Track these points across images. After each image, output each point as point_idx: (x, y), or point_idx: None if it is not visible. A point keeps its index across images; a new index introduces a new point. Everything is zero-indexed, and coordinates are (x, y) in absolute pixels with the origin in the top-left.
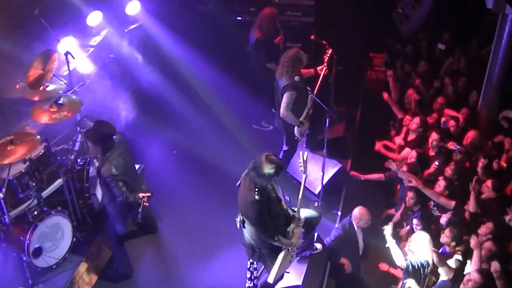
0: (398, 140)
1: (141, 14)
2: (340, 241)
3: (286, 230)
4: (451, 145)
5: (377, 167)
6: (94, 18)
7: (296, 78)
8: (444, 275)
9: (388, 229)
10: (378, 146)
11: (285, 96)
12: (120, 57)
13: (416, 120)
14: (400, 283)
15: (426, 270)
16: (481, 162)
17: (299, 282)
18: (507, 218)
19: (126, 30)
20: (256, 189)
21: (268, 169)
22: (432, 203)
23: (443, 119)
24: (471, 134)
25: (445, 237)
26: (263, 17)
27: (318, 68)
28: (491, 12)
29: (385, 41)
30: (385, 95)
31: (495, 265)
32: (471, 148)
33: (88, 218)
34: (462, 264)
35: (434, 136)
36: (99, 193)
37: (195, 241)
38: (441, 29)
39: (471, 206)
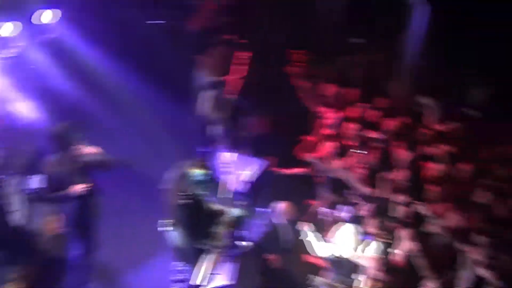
0: (318, 133)
1: (59, 24)
2: (267, 237)
3: (214, 231)
4: (372, 135)
5: (300, 161)
6: (8, 29)
7: (213, 78)
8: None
9: (309, 223)
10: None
11: (204, 96)
12: (38, 69)
13: (335, 113)
14: (328, 274)
15: (350, 261)
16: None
17: (231, 282)
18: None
19: (42, 41)
20: (183, 194)
21: (195, 173)
22: (355, 192)
23: (361, 110)
24: (390, 123)
25: (369, 225)
26: None
27: (236, 67)
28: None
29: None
30: (303, 90)
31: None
32: (391, 136)
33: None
34: (384, 250)
35: (353, 126)
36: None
37: (130, 248)
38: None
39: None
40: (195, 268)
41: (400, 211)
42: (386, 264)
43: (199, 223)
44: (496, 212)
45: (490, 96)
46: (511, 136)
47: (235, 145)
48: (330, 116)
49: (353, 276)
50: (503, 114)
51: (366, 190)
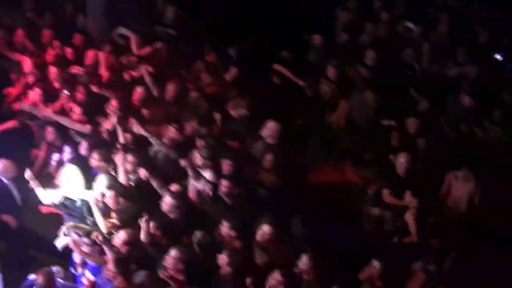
0: (21, 82)
1: None
2: None
3: None
4: (75, 70)
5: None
6: None
7: None
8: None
9: (33, 173)
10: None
11: None
12: None
13: (33, 57)
14: (68, 219)
15: (84, 201)
16: None
17: None
18: None
19: None
20: None
21: None
22: (72, 132)
23: (59, 50)
24: (90, 54)
25: (93, 160)
26: None
27: None
28: None
29: None
30: None
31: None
32: (93, 68)
33: None
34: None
35: (53, 70)
36: None
37: None
38: None
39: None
40: None
41: (121, 138)
42: (122, 194)
43: None
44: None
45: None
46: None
47: None
48: (27, 62)
49: (89, 215)
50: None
51: (82, 127)
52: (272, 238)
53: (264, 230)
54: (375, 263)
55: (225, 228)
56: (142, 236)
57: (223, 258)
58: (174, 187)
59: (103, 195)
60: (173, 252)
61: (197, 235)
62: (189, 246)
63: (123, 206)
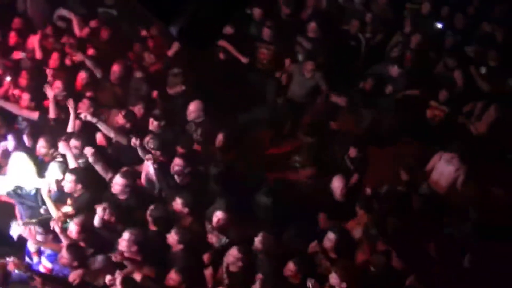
0: None
1: None
2: None
3: None
4: (17, 55)
5: None
6: None
7: None
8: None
9: None
10: None
11: None
12: None
13: None
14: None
15: (39, 194)
16: None
17: None
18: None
19: None
20: None
21: None
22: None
23: None
24: (32, 38)
25: (41, 147)
26: None
27: None
28: None
29: None
30: None
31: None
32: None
33: None
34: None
35: None
36: None
37: None
38: None
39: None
40: None
41: (71, 124)
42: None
43: None
44: None
45: None
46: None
47: None
48: None
49: (43, 204)
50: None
51: (30, 114)
52: (227, 223)
53: (218, 216)
54: (330, 235)
55: (178, 204)
56: (96, 221)
57: (173, 236)
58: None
59: (59, 181)
60: (125, 235)
61: (150, 209)
62: (142, 226)
63: (79, 191)
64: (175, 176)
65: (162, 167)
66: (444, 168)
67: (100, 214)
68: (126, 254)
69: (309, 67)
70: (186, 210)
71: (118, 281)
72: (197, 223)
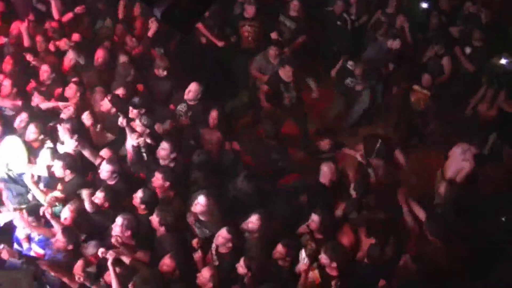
0: None
1: None
2: None
3: None
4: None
5: None
6: None
7: None
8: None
9: None
10: None
11: None
12: None
13: None
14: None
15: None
16: None
17: None
18: None
19: None
20: None
21: None
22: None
23: None
24: (14, 23)
25: (31, 133)
26: None
27: None
28: None
29: None
30: None
31: None
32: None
33: None
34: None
35: None
36: None
37: None
38: None
39: None
40: None
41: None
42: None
43: None
44: None
45: None
46: None
47: None
48: None
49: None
50: None
51: (14, 101)
52: (208, 208)
53: (200, 201)
54: (314, 217)
55: (158, 180)
56: (88, 207)
57: (154, 218)
58: (106, 153)
59: (50, 167)
60: (119, 220)
61: (139, 193)
62: (132, 211)
63: (69, 176)
64: (160, 160)
65: (149, 149)
66: (456, 158)
67: (87, 199)
68: (120, 240)
69: (273, 53)
70: (167, 184)
71: (109, 262)
72: (180, 203)
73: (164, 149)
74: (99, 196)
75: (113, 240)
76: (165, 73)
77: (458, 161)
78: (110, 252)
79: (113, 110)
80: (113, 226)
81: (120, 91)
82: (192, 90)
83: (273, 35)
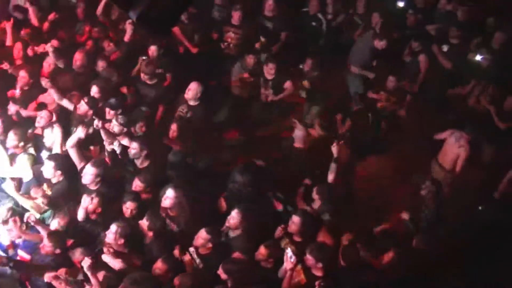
0: None
1: None
2: None
3: None
4: None
5: None
6: None
7: None
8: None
9: None
10: None
11: None
12: None
13: None
14: None
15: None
16: None
17: None
18: None
19: None
20: None
21: None
22: None
23: None
24: None
25: (11, 140)
26: None
27: None
28: None
29: None
30: None
31: None
32: None
33: None
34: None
35: None
36: None
37: None
38: None
39: None
40: None
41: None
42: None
43: None
44: None
45: None
46: None
47: None
48: None
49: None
50: None
51: None
52: (177, 201)
53: (168, 195)
54: (295, 218)
55: (138, 186)
56: (80, 213)
57: (143, 223)
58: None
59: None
60: (113, 227)
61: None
62: (125, 218)
63: (58, 178)
64: (135, 161)
65: (124, 152)
66: (451, 146)
67: (86, 204)
68: (114, 247)
69: (251, 62)
70: (141, 186)
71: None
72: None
73: (134, 148)
74: (94, 202)
75: (104, 250)
76: (153, 81)
77: (454, 149)
78: (86, 259)
79: (90, 112)
80: (106, 233)
81: (96, 93)
82: (191, 89)
83: (257, 45)
